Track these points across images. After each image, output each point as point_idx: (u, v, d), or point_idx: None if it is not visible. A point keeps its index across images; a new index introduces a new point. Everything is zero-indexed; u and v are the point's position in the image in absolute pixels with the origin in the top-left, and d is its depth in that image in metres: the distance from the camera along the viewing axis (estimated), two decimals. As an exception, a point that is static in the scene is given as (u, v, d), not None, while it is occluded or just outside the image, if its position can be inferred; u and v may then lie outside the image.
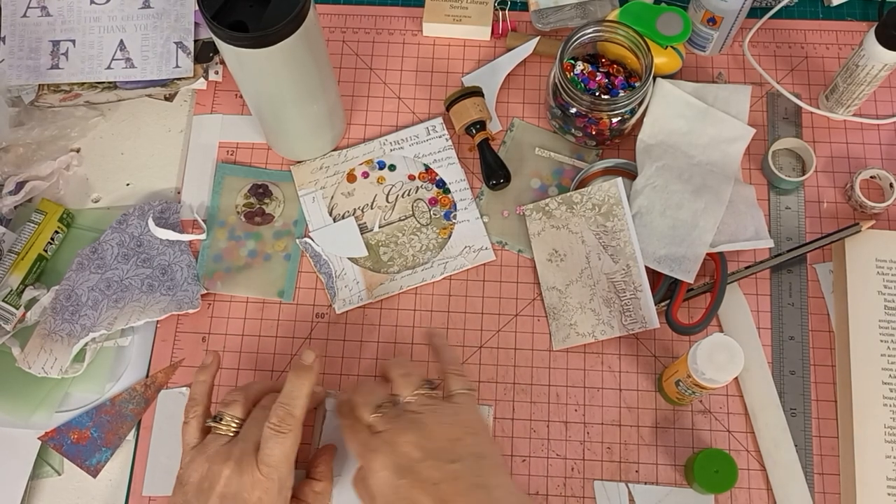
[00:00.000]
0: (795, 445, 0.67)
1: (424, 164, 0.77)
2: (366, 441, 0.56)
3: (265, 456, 0.56)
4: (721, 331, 0.71)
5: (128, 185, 0.78)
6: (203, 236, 0.75)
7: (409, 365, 0.62)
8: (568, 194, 0.63)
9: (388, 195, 0.76)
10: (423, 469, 0.53)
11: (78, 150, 0.79)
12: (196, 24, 0.81)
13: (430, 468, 0.53)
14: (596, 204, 0.59)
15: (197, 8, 0.80)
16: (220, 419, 0.60)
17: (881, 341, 0.68)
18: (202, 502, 0.56)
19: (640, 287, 0.63)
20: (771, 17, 0.81)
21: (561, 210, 0.63)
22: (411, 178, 0.77)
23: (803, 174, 0.75)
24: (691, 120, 0.75)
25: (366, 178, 0.77)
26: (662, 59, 0.76)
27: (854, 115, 0.78)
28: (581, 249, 0.62)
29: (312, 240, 0.75)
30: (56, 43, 0.81)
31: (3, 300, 0.70)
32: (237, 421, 0.60)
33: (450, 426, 0.56)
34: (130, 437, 0.69)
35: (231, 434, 0.60)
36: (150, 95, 0.81)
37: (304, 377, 0.59)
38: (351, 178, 0.77)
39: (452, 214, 0.75)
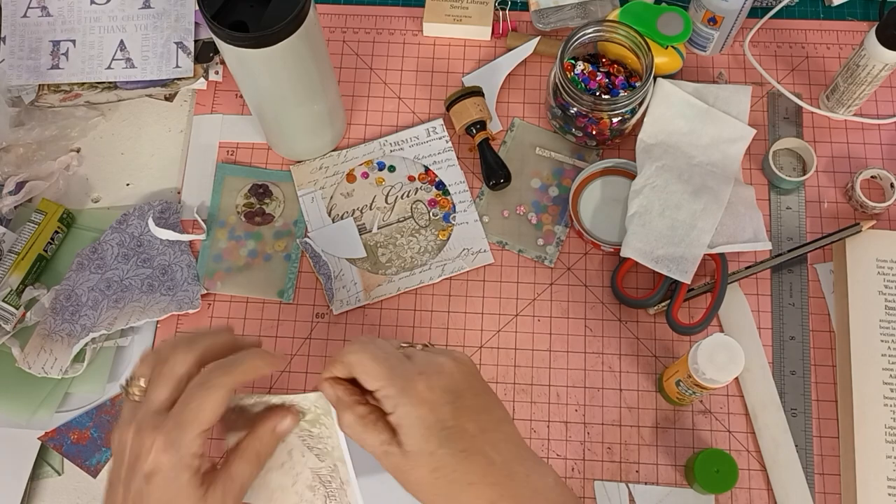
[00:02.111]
0: (796, 446, 0.67)
1: (424, 166, 0.77)
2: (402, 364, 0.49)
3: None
4: (721, 331, 0.71)
5: (128, 185, 0.78)
6: (203, 236, 0.75)
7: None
8: (266, 398, 0.54)
9: (387, 196, 0.76)
10: (467, 398, 0.49)
11: (78, 151, 0.79)
12: (196, 24, 0.81)
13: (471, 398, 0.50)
14: (300, 411, 0.52)
15: (197, 8, 0.80)
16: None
17: (882, 341, 0.68)
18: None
19: (347, 482, 0.54)
20: (771, 17, 0.81)
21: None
22: (411, 179, 0.77)
23: (804, 174, 0.75)
24: (692, 120, 0.75)
25: (365, 178, 0.77)
26: (663, 59, 0.76)
27: (855, 114, 0.77)
28: (281, 446, 0.54)
29: (312, 240, 0.75)
30: (56, 43, 0.81)
31: (3, 300, 0.70)
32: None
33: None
34: (130, 437, 0.69)
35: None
36: (150, 95, 0.81)
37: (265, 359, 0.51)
38: (350, 178, 0.77)
39: (451, 216, 0.75)
